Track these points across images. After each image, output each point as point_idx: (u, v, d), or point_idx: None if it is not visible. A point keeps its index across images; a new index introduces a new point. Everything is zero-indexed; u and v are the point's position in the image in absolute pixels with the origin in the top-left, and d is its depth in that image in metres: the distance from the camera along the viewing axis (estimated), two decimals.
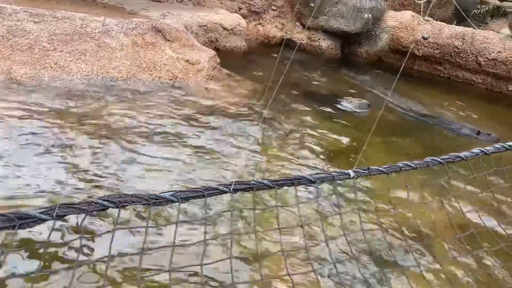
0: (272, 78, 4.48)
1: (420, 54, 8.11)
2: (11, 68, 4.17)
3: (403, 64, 3.38)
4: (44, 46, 4.42)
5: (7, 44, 4.27)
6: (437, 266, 2.45)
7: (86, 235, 2.31)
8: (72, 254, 2.19)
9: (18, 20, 4.38)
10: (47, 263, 2.12)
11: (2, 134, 3.21)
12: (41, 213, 1.43)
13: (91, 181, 2.87)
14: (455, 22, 9.12)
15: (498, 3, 10.00)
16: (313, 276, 2.20)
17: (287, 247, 2.48)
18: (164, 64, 5.00)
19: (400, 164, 2.26)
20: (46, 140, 3.25)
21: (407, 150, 4.41)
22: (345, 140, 4.31)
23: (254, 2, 8.19)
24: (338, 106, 5.38)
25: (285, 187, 1.90)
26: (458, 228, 2.66)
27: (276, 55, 4.52)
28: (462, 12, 8.21)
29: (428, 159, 2.36)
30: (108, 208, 1.56)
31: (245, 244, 2.47)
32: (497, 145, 2.72)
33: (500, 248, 2.54)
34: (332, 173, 2.06)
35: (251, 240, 2.45)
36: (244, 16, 7.77)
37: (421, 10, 8.41)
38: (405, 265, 2.51)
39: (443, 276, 2.36)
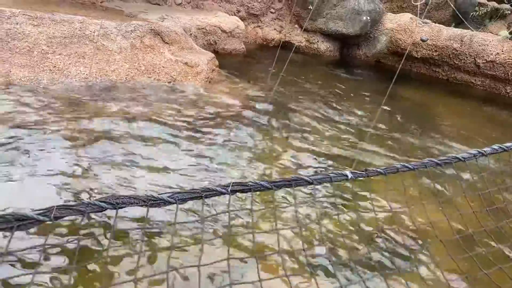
0: (270, 80, 4.49)
1: (419, 56, 8.14)
2: (10, 71, 4.18)
3: (400, 67, 3.40)
4: (43, 49, 4.43)
5: (6, 47, 4.28)
6: (435, 267, 2.46)
7: (84, 237, 2.32)
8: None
9: (17, 23, 4.39)
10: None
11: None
12: (38, 214, 1.43)
13: (89, 183, 2.87)
14: (453, 24, 9.15)
15: (496, 5, 10.03)
16: (311, 277, 2.20)
17: (285, 248, 2.48)
18: (163, 66, 5.01)
19: (397, 165, 2.26)
20: (44, 143, 3.26)
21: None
22: (343, 142, 4.32)
23: (253, 5, 8.21)
24: None
25: (283, 188, 1.91)
26: (455, 229, 2.67)
27: (274, 57, 4.53)
28: (459, 15, 8.24)
29: (425, 160, 2.37)
30: (106, 209, 1.56)
31: (243, 245, 2.47)
32: (494, 146, 2.74)
33: (498, 249, 2.55)
34: (330, 174, 2.06)
35: (249, 241, 2.45)
36: (242, 19, 7.80)
37: (418, 12, 8.44)
38: (403, 266, 2.52)
39: (441, 277, 2.36)
